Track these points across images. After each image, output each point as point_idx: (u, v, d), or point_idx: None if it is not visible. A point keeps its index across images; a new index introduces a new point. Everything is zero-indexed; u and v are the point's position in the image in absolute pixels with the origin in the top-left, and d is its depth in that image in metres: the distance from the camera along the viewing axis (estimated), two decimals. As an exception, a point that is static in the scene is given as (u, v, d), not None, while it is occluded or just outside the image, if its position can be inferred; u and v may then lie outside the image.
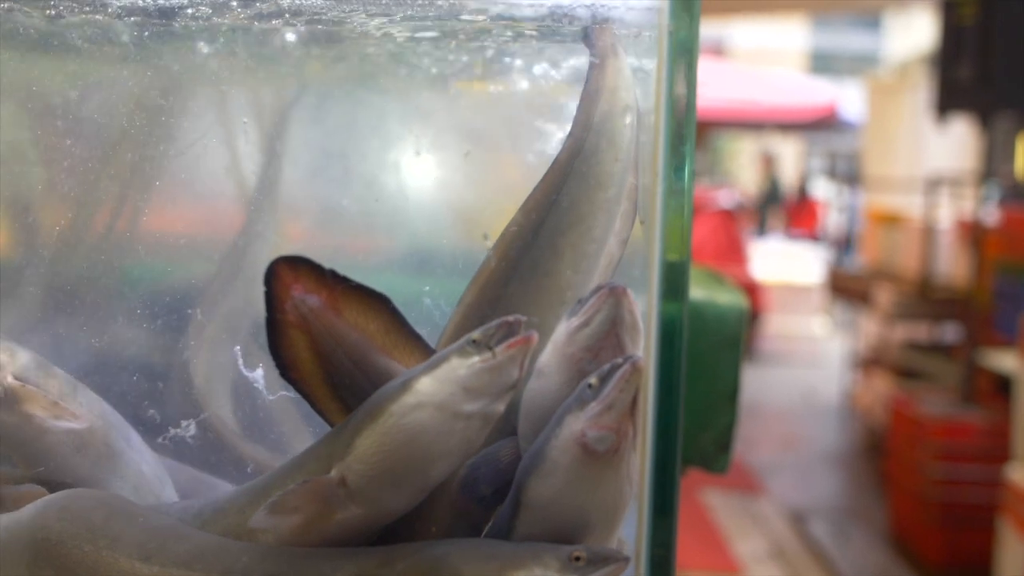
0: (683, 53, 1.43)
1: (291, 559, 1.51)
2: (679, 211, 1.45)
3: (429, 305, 1.78)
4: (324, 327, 1.52)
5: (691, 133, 1.44)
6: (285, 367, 1.54)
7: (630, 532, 1.53)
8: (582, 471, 1.48)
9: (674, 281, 1.47)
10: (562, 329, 1.60)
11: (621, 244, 1.75)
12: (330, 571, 1.48)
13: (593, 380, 1.50)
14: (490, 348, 1.46)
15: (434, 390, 1.46)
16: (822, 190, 24.96)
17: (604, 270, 1.75)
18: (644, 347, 1.49)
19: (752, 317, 12.92)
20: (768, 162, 24.01)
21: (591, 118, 1.68)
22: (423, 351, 1.58)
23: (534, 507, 1.52)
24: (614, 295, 1.54)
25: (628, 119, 1.68)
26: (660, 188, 1.44)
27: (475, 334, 1.48)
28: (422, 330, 1.57)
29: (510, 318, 1.48)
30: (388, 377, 1.55)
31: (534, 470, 1.51)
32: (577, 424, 1.48)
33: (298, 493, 1.48)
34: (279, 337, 1.52)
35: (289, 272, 1.51)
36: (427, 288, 1.80)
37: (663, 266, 1.46)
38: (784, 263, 19.44)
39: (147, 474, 1.77)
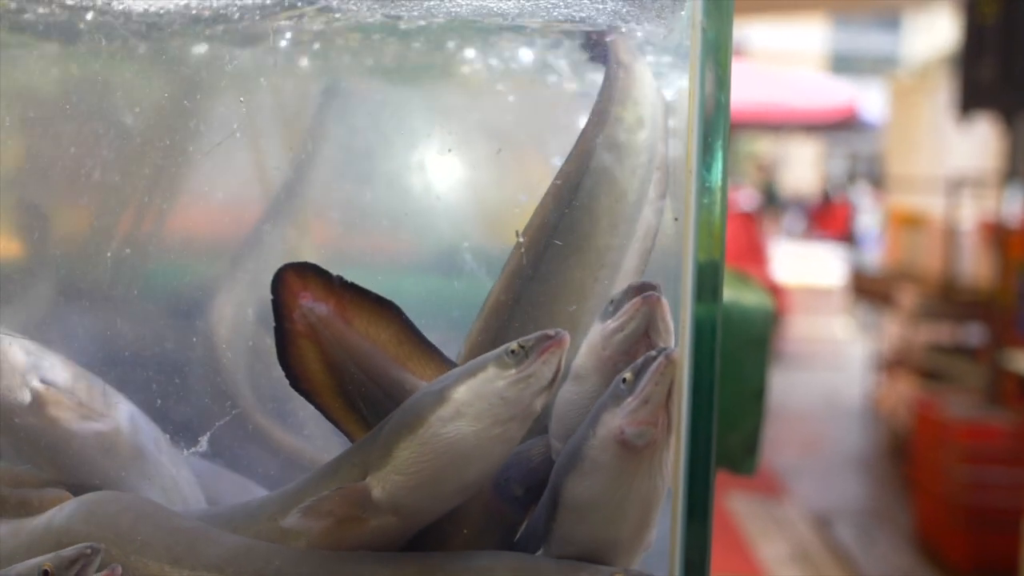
0: (715, 50, 1.42)
1: (324, 563, 1.49)
2: (711, 211, 1.44)
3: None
4: (334, 336, 1.50)
5: (724, 131, 1.42)
6: (296, 378, 1.52)
7: (664, 536, 1.51)
8: (621, 467, 1.47)
9: (707, 282, 1.46)
10: (596, 332, 1.59)
11: (657, 213, 1.74)
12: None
13: (627, 375, 1.48)
14: (526, 357, 1.45)
15: (471, 400, 1.45)
16: (854, 193, 24.97)
17: (643, 239, 1.73)
18: (677, 347, 1.47)
19: (776, 320, 12.87)
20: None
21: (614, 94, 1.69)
22: (439, 362, 1.56)
23: (573, 507, 1.50)
24: (648, 304, 1.53)
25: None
26: (693, 187, 1.43)
27: (514, 344, 1.46)
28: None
29: (551, 332, 1.46)
30: (403, 389, 1.53)
31: (572, 469, 1.49)
32: (615, 421, 1.46)
33: (332, 499, 1.46)
34: (289, 347, 1.50)
35: (297, 280, 1.49)
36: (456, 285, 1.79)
37: (696, 267, 1.45)
38: (806, 265, 19.41)
39: (176, 477, 1.76)
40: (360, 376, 1.52)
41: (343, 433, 1.55)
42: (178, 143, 1.83)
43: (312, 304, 1.49)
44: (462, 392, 1.45)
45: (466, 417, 1.44)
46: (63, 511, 1.60)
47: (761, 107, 18.22)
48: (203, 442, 1.74)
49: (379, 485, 1.46)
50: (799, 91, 18.99)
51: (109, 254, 1.85)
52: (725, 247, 1.45)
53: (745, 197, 15.51)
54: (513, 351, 1.45)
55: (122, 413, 1.72)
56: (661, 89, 1.72)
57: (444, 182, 1.79)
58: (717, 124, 1.42)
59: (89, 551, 1.45)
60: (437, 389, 1.47)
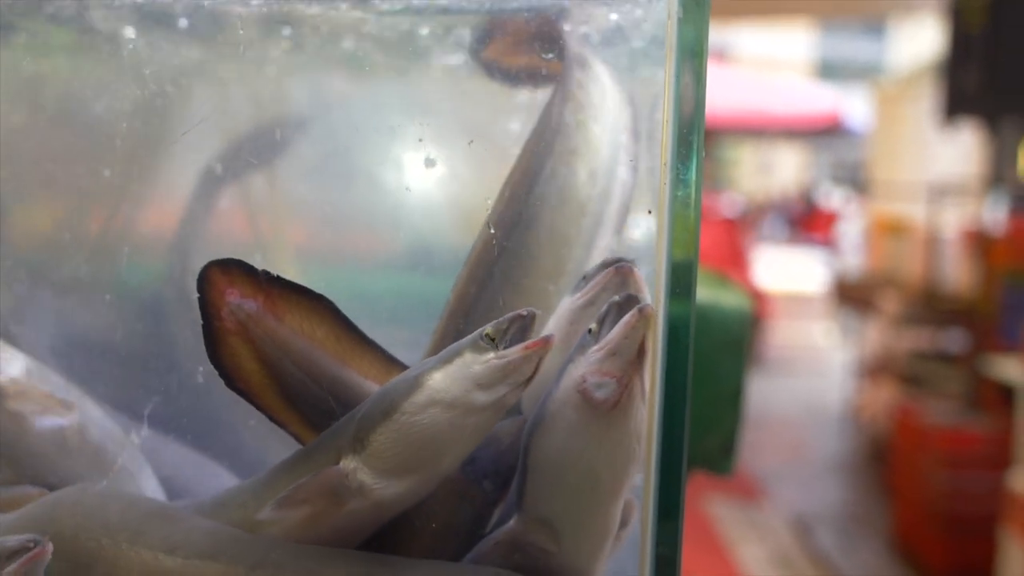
0: (691, 43, 1.41)
1: (323, 557, 1.48)
2: (686, 206, 1.43)
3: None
4: (266, 334, 1.47)
5: (700, 126, 1.41)
6: (229, 377, 1.49)
7: (634, 535, 1.50)
8: (584, 423, 1.42)
9: (681, 280, 1.44)
10: (566, 305, 1.57)
11: (632, 170, 1.73)
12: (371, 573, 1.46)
13: (593, 325, 1.45)
14: (503, 345, 1.43)
15: (447, 386, 1.43)
16: (837, 199, 25.06)
17: (621, 198, 1.73)
18: (652, 347, 1.46)
19: (755, 325, 12.91)
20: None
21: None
22: (382, 359, 1.54)
23: (541, 469, 1.46)
24: (620, 274, 1.51)
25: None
26: (668, 182, 1.42)
27: (488, 328, 1.44)
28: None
29: (523, 311, 1.45)
30: (346, 388, 1.51)
31: (537, 428, 1.46)
32: (577, 370, 1.43)
33: (307, 487, 1.45)
34: (219, 345, 1.47)
35: (222, 277, 1.46)
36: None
37: (670, 264, 1.43)
38: (789, 271, 19.45)
39: (135, 475, 1.74)
40: (299, 375, 1.50)
41: (289, 434, 1.53)
42: (141, 134, 1.82)
43: (240, 301, 1.46)
44: (437, 378, 1.43)
45: (441, 404, 1.42)
46: (42, 505, 1.57)
47: (745, 113, 18.28)
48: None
49: (353, 470, 1.45)
50: (783, 97, 19.07)
51: (75, 245, 1.84)
52: (699, 245, 1.44)
53: (727, 203, 15.50)
54: (488, 335, 1.44)
55: (81, 409, 1.71)
56: (623, 86, 1.72)
57: (415, 175, 1.77)
58: (692, 118, 1.41)
59: (32, 544, 1.41)
60: (412, 376, 1.46)
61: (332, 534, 1.49)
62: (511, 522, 1.50)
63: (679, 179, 1.42)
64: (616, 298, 1.46)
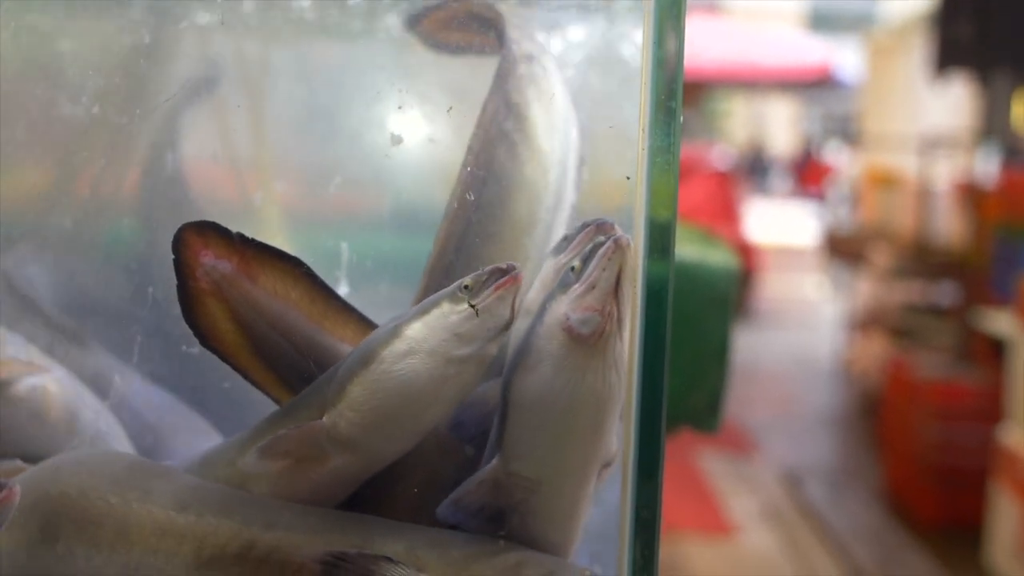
0: (670, 4, 1.40)
1: (337, 520, 1.49)
2: (665, 169, 1.42)
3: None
4: (240, 295, 1.49)
5: (678, 87, 1.41)
6: (204, 336, 1.51)
7: (614, 495, 1.51)
8: (568, 358, 1.43)
9: (659, 240, 1.44)
10: (550, 266, 1.57)
11: (582, 133, 1.77)
12: (381, 537, 1.46)
13: (576, 263, 1.46)
14: (481, 291, 1.44)
15: (425, 336, 1.44)
16: (831, 152, 25.07)
17: (577, 152, 1.77)
18: (631, 306, 1.46)
19: (747, 279, 12.92)
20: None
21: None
22: (356, 321, 1.56)
23: (523, 404, 1.47)
24: (601, 231, 1.51)
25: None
26: (646, 145, 1.41)
27: (467, 279, 1.45)
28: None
29: (503, 265, 1.46)
30: (321, 349, 1.53)
31: (520, 364, 1.46)
32: (560, 308, 1.44)
33: (289, 438, 1.46)
34: (194, 305, 1.49)
35: (197, 238, 1.47)
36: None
37: (648, 224, 1.43)
38: (782, 224, 19.46)
39: (103, 431, 1.74)
40: (274, 336, 1.51)
41: (266, 395, 1.54)
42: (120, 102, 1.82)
43: (214, 262, 1.48)
44: (416, 328, 1.45)
45: (419, 353, 1.44)
46: (44, 469, 1.56)
47: (736, 65, 18.21)
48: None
49: (335, 423, 1.46)
50: (775, 49, 18.99)
51: (56, 210, 1.84)
52: (677, 205, 1.44)
53: (719, 155, 15.48)
54: (467, 286, 1.45)
55: (53, 377, 1.70)
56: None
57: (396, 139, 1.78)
58: (671, 80, 1.41)
59: (505, 266, 1.45)
60: (392, 326, 1.47)
61: (317, 488, 1.50)
62: (493, 461, 1.50)
63: (658, 145, 1.41)
64: (601, 238, 1.47)
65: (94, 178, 1.87)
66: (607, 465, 1.56)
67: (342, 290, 1.76)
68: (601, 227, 1.53)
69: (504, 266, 1.46)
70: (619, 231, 1.50)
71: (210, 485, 1.52)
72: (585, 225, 1.54)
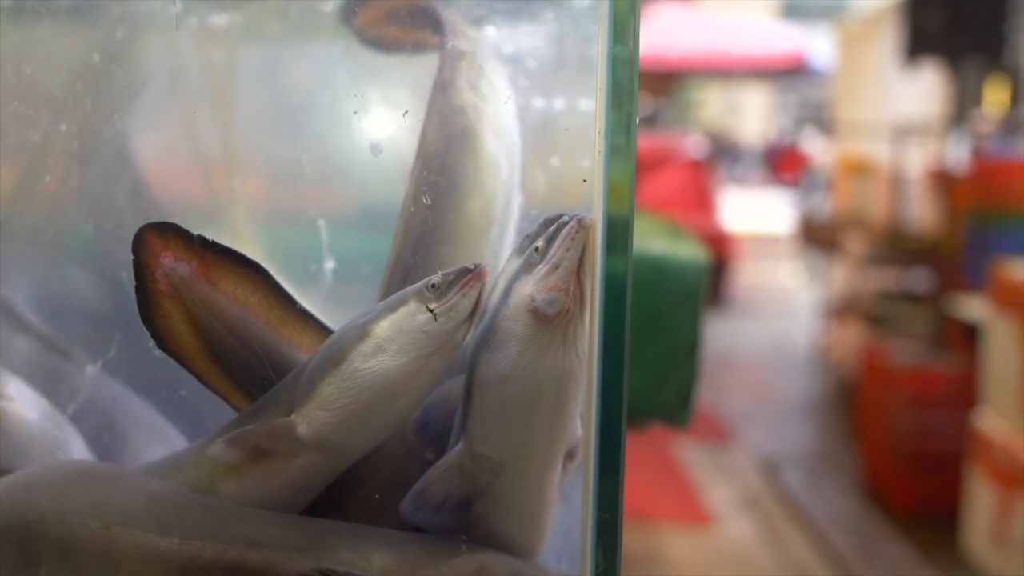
0: (625, 5, 1.40)
1: (321, 533, 1.48)
2: (620, 169, 1.43)
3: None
4: (199, 298, 1.49)
5: (633, 86, 1.41)
6: (162, 339, 1.51)
7: (577, 493, 1.51)
8: (533, 337, 1.44)
9: (619, 236, 1.44)
10: (513, 266, 1.57)
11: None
12: (367, 551, 1.46)
13: (540, 243, 1.46)
14: (448, 290, 1.45)
15: (393, 335, 1.45)
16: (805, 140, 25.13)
17: (520, 157, 1.77)
18: (589, 302, 1.46)
19: (721, 267, 12.94)
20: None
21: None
22: (314, 328, 1.56)
23: (488, 384, 1.47)
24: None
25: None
26: (602, 147, 1.42)
27: (435, 278, 1.46)
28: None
29: (470, 265, 1.47)
30: (278, 355, 1.52)
31: (485, 344, 1.47)
32: (526, 289, 1.44)
33: (258, 432, 1.46)
34: (151, 307, 1.49)
35: (158, 239, 1.48)
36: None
37: (607, 220, 1.44)
38: (757, 212, 19.49)
39: (60, 439, 1.73)
40: (231, 340, 1.51)
41: (224, 400, 1.54)
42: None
43: (174, 264, 1.48)
44: (384, 327, 1.45)
45: (388, 352, 1.44)
46: (10, 488, 1.54)
47: (710, 54, 18.27)
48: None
49: (304, 421, 1.46)
50: (748, 38, 19.04)
51: (26, 210, 1.84)
52: (634, 203, 1.44)
53: (693, 144, 15.50)
54: (434, 285, 1.45)
55: (8, 388, 1.70)
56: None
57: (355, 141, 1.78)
58: (628, 79, 1.41)
59: (472, 266, 1.46)
60: (360, 323, 1.47)
61: (286, 488, 1.51)
62: (458, 445, 1.51)
63: (615, 144, 1.42)
64: (564, 217, 1.47)
65: (59, 181, 1.86)
66: (572, 457, 1.57)
67: (328, 265, 1.77)
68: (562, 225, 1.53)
69: (471, 266, 1.47)
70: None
71: (191, 500, 1.51)
72: (547, 222, 1.55)
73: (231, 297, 1.51)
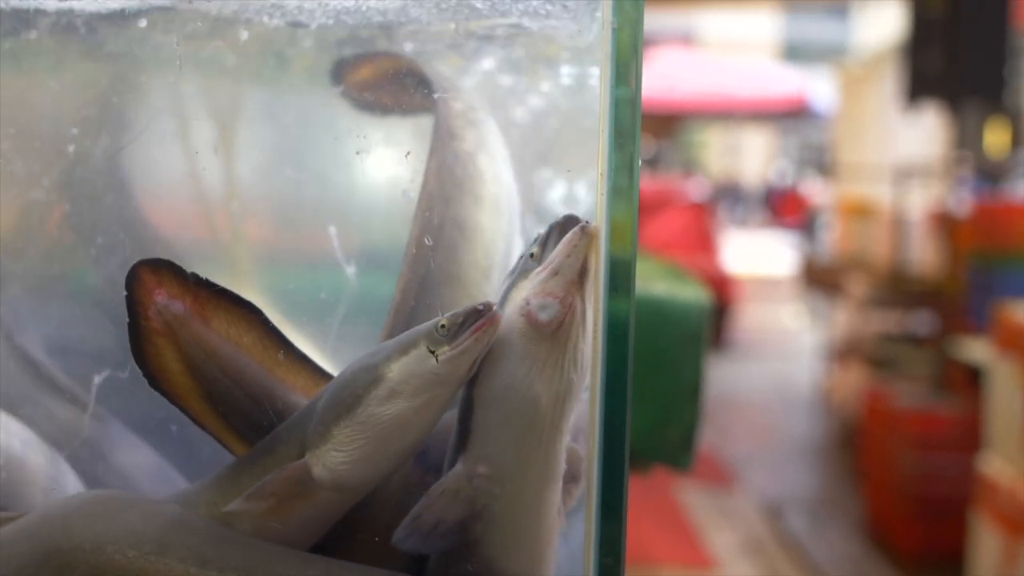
0: (626, 48, 1.40)
1: (355, 573, 1.48)
2: (623, 212, 1.42)
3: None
4: (192, 337, 1.48)
5: (636, 129, 1.41)
6: (154, 378, 1.49)
7: (578, 535, 1.50)
8: (527, 347, 1.42)
9: (622, 278, 1.43)
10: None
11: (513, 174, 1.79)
12: None
13: (535, 249, 1.45)
14: (459, 336, 1.43)
15: (406, 378, 1.44)
16: (805, 183, 25.20)
17: (518, 199, 1.78)
18: (592, 344, 1.45)
19: (723, 309, 12.94)
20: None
21: None
22: (308, 370, 1.55)
23: (485, 401, 1.46)
24: (570, 223, 1.48)
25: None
26: (605, 189, 1.41)
27: (444, 319, 1.44)
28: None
29: (480, 304, 1.44)
30: (272, 397, 1.51)
31: (482, 357, 1.45)
32: (520, 294, 1.43)
33: (275, 481, 1.45)
34: (144, 345, 1.47)
35: (151, 276, 1.46)
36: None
37: (610, 263, 1.43)
38: (759, 255, 19.50)
39: (54, 476, 1.71)
40: (224, 380, 1.49)
41: (216, 440, 1.53)
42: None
43: (167, 301, 1.46)
44: (396, 371, 1.44)
45: (402, 395, 1.43)
46: (48, 518, 1.51)
47: (711, 96, 18.32)
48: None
49: (319, 463, 1.45)
50: (750, 80, 19.12)
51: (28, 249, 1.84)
52: (637, 244, 1.43)
53: (695, 186, 15.53)
54: (443, 325, 1.44)
55: (6, 427, 1.69)
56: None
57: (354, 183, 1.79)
58: (628, 121, 1.41)
59: (481, 306, 1.43)
60: (371, 365, 1.46)
61: (301, 526, 1.49)
62: (456, 466, 1.48)
63: (618, 185, 1.41)
64: (558, 219, 1.46)
65: (63, 218, 1.86)
66: (575, 480, 1.55)
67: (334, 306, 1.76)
68: (569, 220, 1.51)
69: (480, 306, 1.45)
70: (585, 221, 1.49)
71: (230, 536, 1.49)
72: (552, 227, 1.52)
73: (224, 336, 1.50)
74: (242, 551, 1.47)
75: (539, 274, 1.43)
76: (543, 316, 1.41)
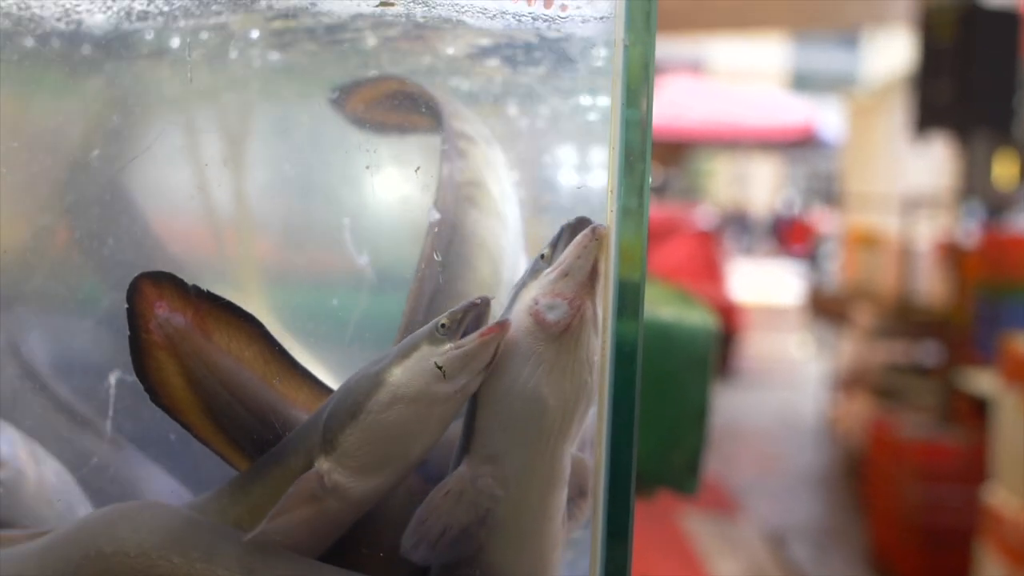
0: (637, 67, 1.40)
1: None
2: (632, 232, 1.41)
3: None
4: (193, 350, 1.46)
5: (646, 150, 1.40)
6: (154, 392, 1.47)
7: (584, 560, 1.48)
8: (534, 347, 1.40)
9: (630, 300, 1.42)
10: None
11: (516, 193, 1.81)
12: None
13: (546, 250, 1.44)
14: (460, 334, 1.42)
15: (408, 381, 1.42)
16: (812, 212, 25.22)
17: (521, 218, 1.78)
18: (599, 367, 1.44)
19: (729, 338, 12.93)
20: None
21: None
22: (309, 385, 1.54)
23: (491, 402, 1.44)
24: (581, 225, 1.46)
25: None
26: (615, 208, 1.40)
27: (443, 318, 1.43)
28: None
29: (476, 299, 1.45)
30: (274, 412, 1.50)
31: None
32: (529, 294, 1.42)
33: (290, 497, 1.44)
34: (144, 358, 1.46)
35: (153, 289, 1.45)
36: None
37: (619, 285, 1.42)
38: (765, 283, 19.50)
39: (60, 489, 1.71)
40: (225, 394, 1.48)
41: (217, 455, 1.52)
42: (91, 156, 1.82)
43: (168, 314, 1.45)
44: (397, 374, 1.43)
45: (405, 399, 1.42)
46: (93, 523, 1.52)
47: (720, 125, 18.35)
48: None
49: (328, 472, 1.44)
50: (758, 109, 19.14)
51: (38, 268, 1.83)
52: (646, 266, 1.42)
53: (702, 215, 15.54)
54: (444, 325, 1.43)
55: (16, 464, 1.68)
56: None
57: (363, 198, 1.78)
58: (639, 142, 1.40)
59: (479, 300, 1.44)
60: (373, 372, 1.45)
61: (309, 537, 1.48)
62: (460, 467, 1.47)
63: (627, 206, 1.40)
64: (569, 221, 1.45)
65: (71, 236, 1.86)
66: (583, 495, 1.54)
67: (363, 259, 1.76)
68: (581, 222, 1.50)
69: (477, 300, 1.45)
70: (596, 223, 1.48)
71: (272, 548, 1.48)
72: (563, 229, 1.51)
73: (225, 350, 1.48)
74: (285, 563, 1.46)
75: (549, 275, 1.42)
76: (551, 316, 1.40)
